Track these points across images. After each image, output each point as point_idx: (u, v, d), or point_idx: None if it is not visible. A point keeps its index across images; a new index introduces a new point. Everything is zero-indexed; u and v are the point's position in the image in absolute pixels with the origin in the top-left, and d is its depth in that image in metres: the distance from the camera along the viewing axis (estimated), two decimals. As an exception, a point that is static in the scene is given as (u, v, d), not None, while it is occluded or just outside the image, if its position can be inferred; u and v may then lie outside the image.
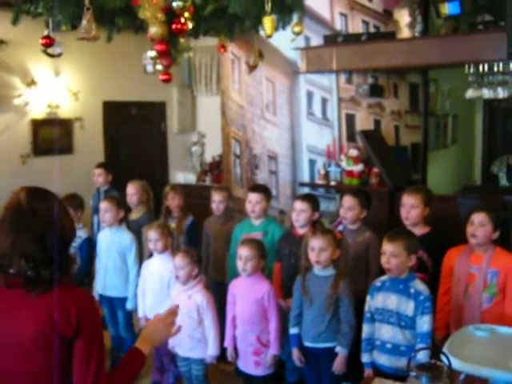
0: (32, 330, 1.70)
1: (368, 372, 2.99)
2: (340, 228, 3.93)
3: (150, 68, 5.88)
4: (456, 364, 2.04)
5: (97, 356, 1.74)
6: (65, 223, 1.82)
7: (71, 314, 1.71)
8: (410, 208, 3.54)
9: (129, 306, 4.09)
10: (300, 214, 3.74)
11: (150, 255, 3.95)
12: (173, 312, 2.09)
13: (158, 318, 2.07)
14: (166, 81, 3.64)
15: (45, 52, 3.93)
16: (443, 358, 2.00)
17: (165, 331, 2.04)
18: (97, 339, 1.77)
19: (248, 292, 3.41)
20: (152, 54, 3.55)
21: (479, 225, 3.15)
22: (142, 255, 4.24)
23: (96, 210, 4.79)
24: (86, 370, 1.72)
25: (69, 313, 1.71)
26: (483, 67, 4.90)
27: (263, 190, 4.12)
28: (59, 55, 4.52)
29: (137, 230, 4.31)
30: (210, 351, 3.49)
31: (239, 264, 3.40)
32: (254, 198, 4.00)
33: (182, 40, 3.44)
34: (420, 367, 1.95)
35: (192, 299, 3.49)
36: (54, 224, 1.75)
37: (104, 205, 4.16)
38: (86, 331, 1.73)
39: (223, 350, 3.55)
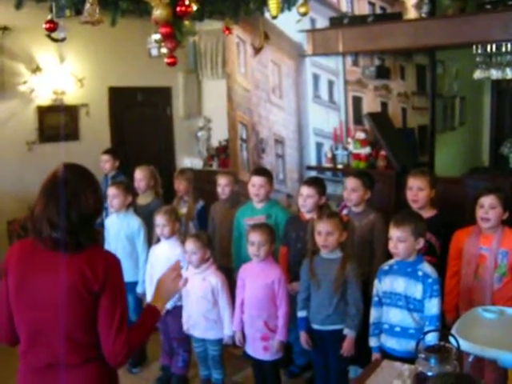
0: (64, 285, 1.88)
1: (376, 356, 2.99)
2: (345, 212, 3.91)
3: (154, 52, 5.82)
4: (465, 345, 2.03)
5: (120, 310, 1.93)
6: (89, 198, 1.95)
7: (99, 270, 1.90)
8: (418, 190, 3.51)
9: (139, 289, 4.12)
10: (307, 199, 3.72)
11: (158, 240, 3.96)
12: (175, 267, 2.25)
13: (164, 275, 2.23)
14: (172, 64, 3.61)
15: (49, 37, 3.89)
16: (452, 339, 1.99)
17: (173, 285, 2.21)
18: (121, 296, 1.96)
19: (258, 277, 3.40)
20: (157, 36, 3.53)
21: (490, 207, 3.11)
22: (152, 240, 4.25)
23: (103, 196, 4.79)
24: (111, 322, 1.91)
25: (96, 269, 1.90)
26: (491, 47, 4.83)
27: (266, 173, 4.10)
28: (63, 40, 4.47)
29: (147, 216, 4.31)
30: (227, 331, 3.54)
31: (251, 249, 3.38)
32: (257, 181, 3.98)
33: (186, 22, 3.40)
34: (429, 349, 1.94)
35: (206, 281, 3.52)
36: (79, 195, 1.92)
37: (112, 191, 4.16)
38: (111, 287, 1.92)
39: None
